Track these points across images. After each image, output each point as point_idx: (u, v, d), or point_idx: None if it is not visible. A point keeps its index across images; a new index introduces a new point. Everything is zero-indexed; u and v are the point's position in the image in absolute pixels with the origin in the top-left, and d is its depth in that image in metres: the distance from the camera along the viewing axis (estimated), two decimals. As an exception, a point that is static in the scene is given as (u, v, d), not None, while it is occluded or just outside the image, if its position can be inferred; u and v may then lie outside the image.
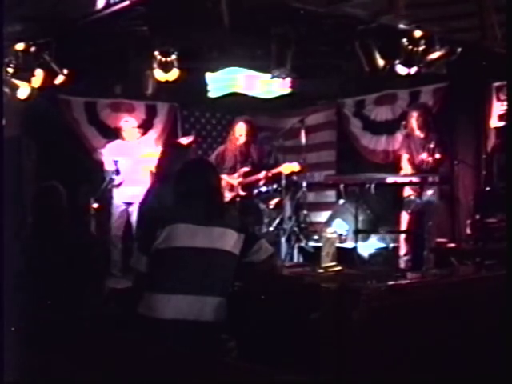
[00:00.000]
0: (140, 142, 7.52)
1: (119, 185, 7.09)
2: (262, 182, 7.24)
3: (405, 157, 6.86)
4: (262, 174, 7.17)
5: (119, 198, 7.14)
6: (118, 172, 6.98)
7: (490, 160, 7.30)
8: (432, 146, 6.57)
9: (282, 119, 9.23)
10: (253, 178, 7.24)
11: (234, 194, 7.20)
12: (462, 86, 7.43)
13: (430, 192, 6.55)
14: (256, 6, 5.52)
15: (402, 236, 6.87)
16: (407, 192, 6.72)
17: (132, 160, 7.17)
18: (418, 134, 6.73)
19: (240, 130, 7.24)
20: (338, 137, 9.25)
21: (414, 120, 6.74)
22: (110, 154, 7.20)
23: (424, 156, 6.59)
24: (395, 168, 7.14)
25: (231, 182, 7.21)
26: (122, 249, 6.93)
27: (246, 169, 7.22)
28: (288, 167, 7.16)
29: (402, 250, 6.83)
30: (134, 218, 7.09)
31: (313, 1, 5.35)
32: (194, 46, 6.73)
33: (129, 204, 7.16)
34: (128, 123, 7.51)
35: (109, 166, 7.12)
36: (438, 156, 6.56)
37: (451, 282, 3.94)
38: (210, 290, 3.24)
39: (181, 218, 3.31)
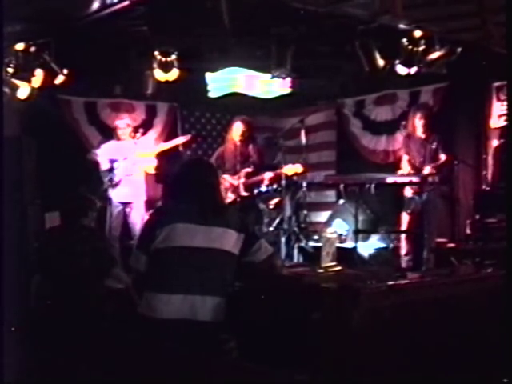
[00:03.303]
0: (137, 142, 7.48)
1: (116, 185, 7.08)
2: (264, 183, 7.21)
3: (405, 158, 6.87)
4: (265, 176, 7.14)
5: (116, 197, 7.13)
6: (111, 170, 6.96)
7: (490, 160, 7.30)
8: (434, 147, 6.58)
9: (282, 119, 9.22)
10: (255, 179, 7.22)
11: (236, 195, 7.19)
12: (462, 86, 7.42)
13: (430, 192, 6.55)
14: (256, 6, 5.52)
15: (403, 236, 6.87)
16: (407, 192, 6.72)
17: (129, 160, 7.16)
18: (420, 134, 6.72)
19: (237, 130, 7.23)
20: (338, 137, 9.24)
21: (417, 120, 6.73)
22: (105, 155, 7.19)
23: (427, 160, 6.59)
24: (395, 168, 7.14)
25: (233, 183, 7.20)
26: (119, 249, 6.92)
27: (249, 169, 7.21)
28: (291, 169, 7.08)
29: (403, 250, 6.83)
30: (131, 219, 7.10)
31: (313, 1, 5.35)
32: (194, 46, 6.73)
33: (125, 204, 7.15)
34: (123, 121, 7.47)
35: (105, 166, 7.11)
36: (443, 158, 6.56)
37: (451, 281, 3.94)
38: (209, 290, 3.24)
39: (180, 217, 3.30)
